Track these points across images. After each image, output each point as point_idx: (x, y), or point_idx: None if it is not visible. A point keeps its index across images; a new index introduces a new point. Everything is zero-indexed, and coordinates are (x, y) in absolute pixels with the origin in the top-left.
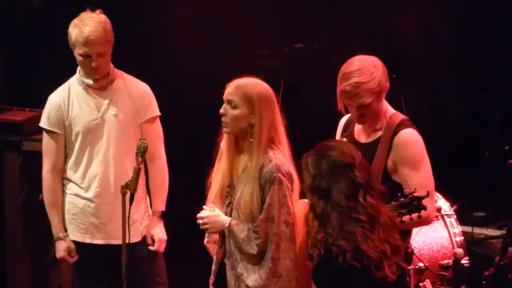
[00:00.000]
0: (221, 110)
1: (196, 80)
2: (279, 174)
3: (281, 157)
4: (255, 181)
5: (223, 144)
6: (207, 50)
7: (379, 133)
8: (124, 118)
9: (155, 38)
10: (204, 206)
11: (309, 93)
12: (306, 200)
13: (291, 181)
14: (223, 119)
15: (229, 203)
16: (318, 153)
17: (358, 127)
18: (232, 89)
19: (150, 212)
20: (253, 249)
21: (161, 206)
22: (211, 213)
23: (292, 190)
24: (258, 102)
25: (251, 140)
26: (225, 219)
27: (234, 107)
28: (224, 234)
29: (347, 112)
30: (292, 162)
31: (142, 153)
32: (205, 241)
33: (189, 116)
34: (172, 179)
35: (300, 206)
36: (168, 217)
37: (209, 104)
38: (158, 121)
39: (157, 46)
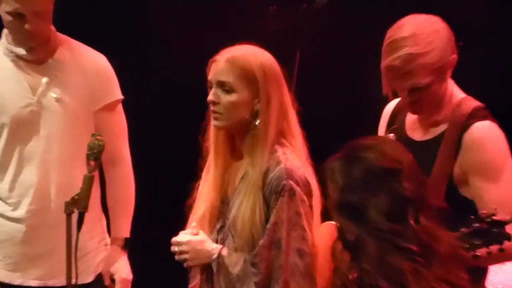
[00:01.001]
0: (211, 97)
1: (184, 52)
2: (290, 182)
3: (294, 157)
4: (257, 192)
5: (212, 144)
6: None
7: (442, 127)
8: (71, 104)
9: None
10: (182, 231)
11: (337, 68)
12: (333, 223)
13: (309, 193)
14: (214, 108)
15: (222, 227)
16: (349, 155)
17: (411, 119)
18: (223, 64)
19: (109, 240)
20: None
21: (124, 231)
22: (194, 237)
23: (311, 206)
24: (263, 80)
25: (253, 133)
26: (213, 248)
27: (230, 91)
28: (211, 269)
29: (395, 96)
30: (310, 165)
31: (96, 154)
32: (189, 286)
33: (167, 103)
34: (141, 193)
35: (324, 231)
36: (134, 247)
37: (201, 85)
38: (120, 108)
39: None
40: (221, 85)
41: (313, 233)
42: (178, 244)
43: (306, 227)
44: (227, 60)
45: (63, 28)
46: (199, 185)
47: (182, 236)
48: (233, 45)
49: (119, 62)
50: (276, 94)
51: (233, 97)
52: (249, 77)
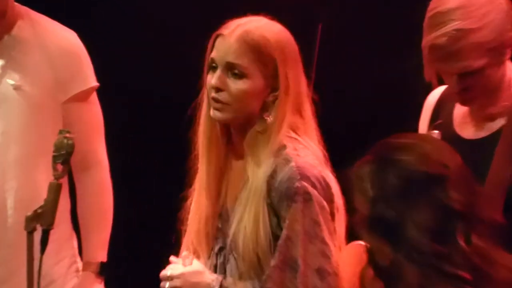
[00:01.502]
0: (215, 82)
1: (183, 24)
2: (305, 183)
3: (307, 154)
4: (260, 199)
5: (205, 141)
6: None
7: (499, 122)
8: (33, 93)
9: None
10: (172, 258)
11: (367, 47)
12: (362, 244)
13: (329, 197)
14: (216, 96)
15: (221, 249)
16: (382, 158)
17: (460, 111)
18: (235, 42)
19: (80, 264)
20: None
21: (99, 253)
22: (187, 268)
23: (333, 214)
24: (283, 65)
25: (260, 129)
26: (213, 280)
27: (241, 76)
28: None
29: (440, 83)
30: (328, 166)
31: (64, 156)
32: None
33: (154, 91)
34: (121, 205)
35: (350, 254)
36: (112, 274)
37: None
38: (94, 98)
39: None
40: (231, 68)
41: (336, 247)
42: (169, 278)
43: (328, 240)
44: (240, 37)
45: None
46: (190, 194)
47: (173, 268)
48: (240, 17)
49: (93, 41)
50: (294, 83)
51: (245, 84)
52: (266, 60)
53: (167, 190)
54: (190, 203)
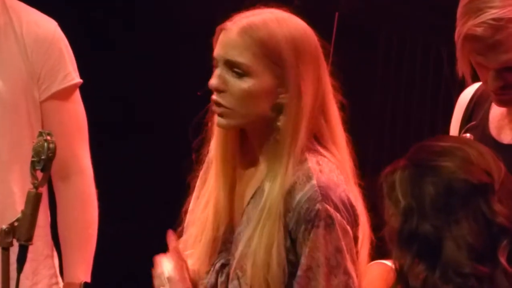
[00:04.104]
0: (214, 81)
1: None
2: (327, 206)
3: (331, 169)
4: (276, 221)
5: (215, 148)
6: None
7: None
8: (7, 91)
9: None
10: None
11: (392, 38)
12: (388, 263)
13: (354, 220)
14: (217, 99)
15: (223, 266)
16: (417, 164)
17: (497, 112)
18: (236, 36)
19: (61, 285)
20: None
21: (82, 273)
22: None
23: (356, 239)
24: (293, 60)
25: (277, 137)
26: None
27: (243, 75)
28: None
29: (475, 80)
30: (356, 182)
31: (45, 162)
32: None
33: (150, 87)
34: (108, 218)
35: (374, 275)
36: None
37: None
38: (77, 97)
39: None
40: (231, 66)
41: (359, 277)
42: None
43: (350, 270)
44: (241, 30)
45: None
46: (189, 204)
47: (161, 278)
48: (250, 9)
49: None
50: (311, 81)
51: (247, 83)
52: (273, 56)
53: (161, 201)
54: (186, 213)
